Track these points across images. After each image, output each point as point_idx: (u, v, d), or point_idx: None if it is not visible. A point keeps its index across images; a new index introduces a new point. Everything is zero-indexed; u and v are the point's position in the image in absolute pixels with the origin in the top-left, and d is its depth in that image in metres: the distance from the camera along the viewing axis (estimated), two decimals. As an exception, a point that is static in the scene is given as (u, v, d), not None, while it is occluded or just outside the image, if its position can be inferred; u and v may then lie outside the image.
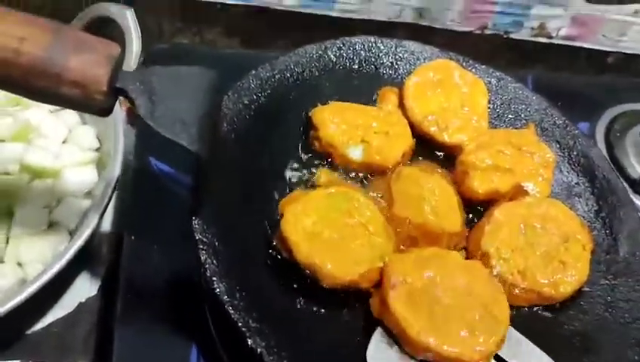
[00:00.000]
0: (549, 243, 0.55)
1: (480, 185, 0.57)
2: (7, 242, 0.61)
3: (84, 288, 0.65)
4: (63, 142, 0.69)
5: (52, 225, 0.63)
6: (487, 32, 0.84)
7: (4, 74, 0.41)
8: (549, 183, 0.60)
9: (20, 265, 0.60)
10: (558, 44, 0.86)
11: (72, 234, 0.63)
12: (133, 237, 0.58)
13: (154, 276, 0.58)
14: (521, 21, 0.83)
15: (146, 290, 0.58)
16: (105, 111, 0.44)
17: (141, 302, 0.58)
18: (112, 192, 0.60)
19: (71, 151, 0.68)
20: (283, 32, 0.81)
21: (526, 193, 0.59)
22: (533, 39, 0.85)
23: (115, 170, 0.62)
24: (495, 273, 0.53)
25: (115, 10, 0.69)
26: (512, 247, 0.54)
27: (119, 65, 0.43)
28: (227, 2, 0.76)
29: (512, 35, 0.85)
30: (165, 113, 0.44)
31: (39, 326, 0.60)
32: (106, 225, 0.68)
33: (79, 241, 0.57)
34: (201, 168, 0.48)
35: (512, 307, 0.51)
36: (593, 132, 0.78)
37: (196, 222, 0.48)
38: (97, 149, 0.69)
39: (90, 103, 0.43)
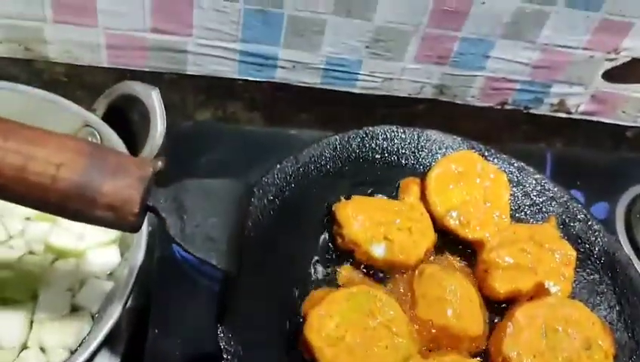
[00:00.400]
0: (570, 349, 0.55)
1: (501, 285, 0.58)
2: (31, 327, 0.62)
3: (104, 366, 0.66)
4: (87, 221, 0.70)
5: (74, 309, 0.63)
6: (507, 107, 0.84)
7: (41, 199, 0.41)
8: (571, 282, 0.60)
9: (42, 350, 0.61)
10: (577, 118, 0.87)
11: (94, 317, 0.64)
12: (156, 331, 0.58)
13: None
14: (541, 98, 0.83)
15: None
16: (135, 229, 0.45)
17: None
18: (135, 279, 0.61)
19: (94, 231, 0.68)
20: (304, 106, 0.82)
21: (547, 292, 0.59)
22: (552, 114, 0.86)
23: (139, 256, 0.62)
24: (517, 380, 0.53)
25: (140, 90, 0.70)
26: (534, 352, 0.54)
27: (151, 183, 0.44)
28: (249, 78, 0.78)
29: (532, 110, 0.85)
30: (195, 231, 0.44)
31: (59, 409, 0.60)
32: (126, 301, 0.69)
33: (103, 332, 0.57)
34: (227, 279, 0.49)
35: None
36: (613, 213, 0.78)
37: (221, 330, 0.49)
38: (120, 228, 0.70)
39: (122, 223, 0.43)
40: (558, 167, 0.81)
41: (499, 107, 0.85)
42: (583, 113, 0.86)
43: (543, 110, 0.85)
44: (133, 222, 0.43)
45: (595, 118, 0.87)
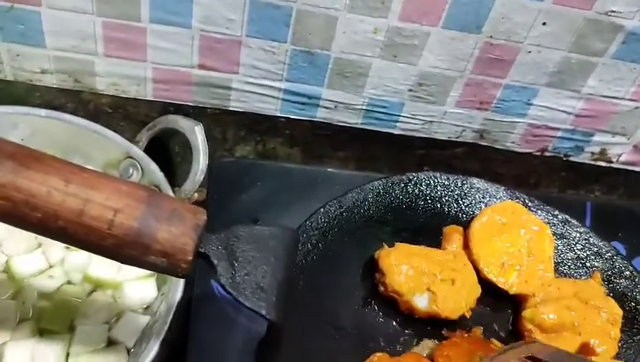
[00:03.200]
0: (617, 413, 0.53)
1: None
2: (67, 359, 0.62)
3: (135, 401, 0.65)
4: (126, 253, 0.70)
5: (111, 343, 0.63)
6: (547, 153, 0.84)
7: (97, 243, 0.42)
8: (617, 341, 0.58)
9: (77, 384, 0.61)
10: (617, 168, 0.86)
11: (129, 352, 0.63)
12: (193, 372, 0.58)
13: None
14: (582, 146, 0.83)
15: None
16: (186, 275, 0.45)
17: None
18: (173, 315, 0.61)
19: (133, 264, 0.69)
20: (343, 144, 0.82)
21: (593, 351, 0.57)
22: (592, 162, 0.85)
23: (177, 292, 0.62)
24: None
25: (184, 124, 0.71)
26: (579, 415, 0.53)
27: (204, 230, 0.44)
28: (292, 117, 0.78)
29: (571, 158, 0.84)
30: (245, 279, 0.44)
31: None
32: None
33: (139, 369, 0.57)
34: (273, 329, 0.48)
35: None
36: (655, 268, 0.77)
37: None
38: (158, 261, 0.70)
39: (174, 270, 0.43)
40: (599, 217, 0.80)
41: (538, 153, 0.84)
42: (624, 163, 0.85)
43: (583, 158, 0.85)
44: (185, 269, 0.43)
45: (636, 168, 0.86)
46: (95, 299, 0.66)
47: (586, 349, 0.57)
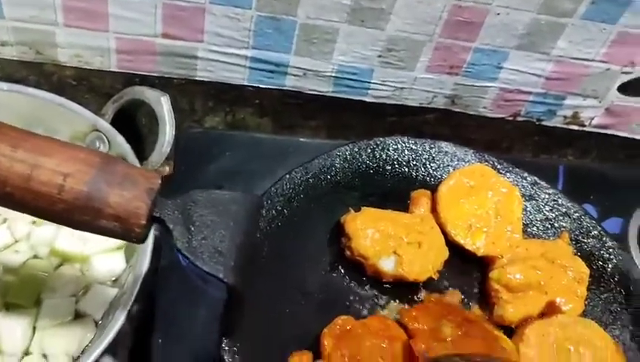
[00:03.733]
0: (583, 370, 0.54)
1: (513, 315, 0.56)
2: (34, 333, 0.61)
3: (107, 372, 0.65)
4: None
5: (78, 316, 0.63)
6: (519, 118, 0.83)
7: (47, 209, 0.41)
8: (583, 300, 0.59)
9: (45, 356, 0.60)
10: (590, 131, 0.86)
11: (97, 324, 0.63)
12: (160, 341, 0.58)
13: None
14: (554, 110, 0.82)
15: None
16: (141, 240, 0.44)
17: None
18: (140, 287, 0.60)
19: (100, 237, 0.67)
20: (314, 112, 0.81)
21: (559, 309, 0.58)
22: (564, 126, 0.85)
23: (144, 263, 0.62)
24: (528, 401, 0.52)
25: (150, 95, 0.70)
26: (545, 372, 0.53)
27: (158, 194, 0.43)
28: (260, 86, 0.77)
29: (544, 123, 0.84)
30: (202, 244, 0.44)
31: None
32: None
33: (106, 339, 0.56)
34: (234, 294, 0.48)
35: None
36: (626, 228, 0.77)
37: (225, 344, 0.48)
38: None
39: (129, 234, 0.43)
40: (571, 180, 0.80)
41: (511, 118, 0.84)
42: (596, 126, 0.85)
43: (555, 122, 0.84)
44: (139, 234, 0.43)
45: (608, 131, 0.86)
46: (62, 272, 0.65)
47: (552, 307, 0.57)
